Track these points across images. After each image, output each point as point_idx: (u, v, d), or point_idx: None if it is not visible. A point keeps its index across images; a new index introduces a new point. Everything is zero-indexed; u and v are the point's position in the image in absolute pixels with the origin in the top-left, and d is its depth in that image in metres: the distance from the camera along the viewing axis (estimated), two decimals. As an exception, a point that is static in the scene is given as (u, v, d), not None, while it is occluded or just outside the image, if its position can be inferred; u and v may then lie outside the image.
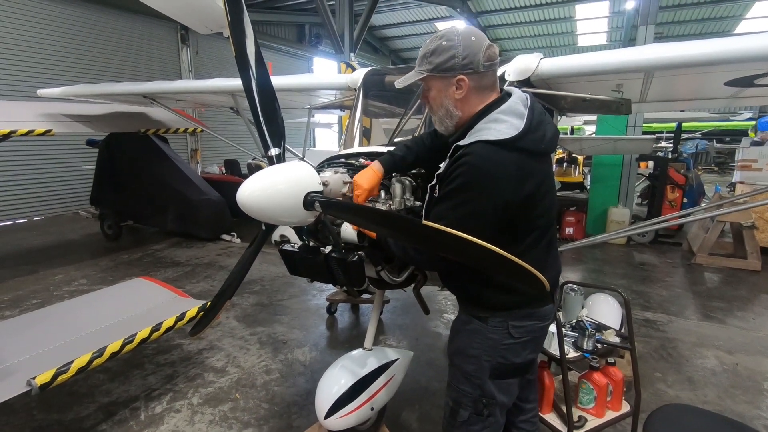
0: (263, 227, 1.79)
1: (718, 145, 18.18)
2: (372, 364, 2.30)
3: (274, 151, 1.75)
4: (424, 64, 1.46)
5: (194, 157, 11.67)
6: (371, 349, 2.41)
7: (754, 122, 13.83)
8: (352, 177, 1.95)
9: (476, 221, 1.33)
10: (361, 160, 2.23)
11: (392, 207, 1.91)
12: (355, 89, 3.12)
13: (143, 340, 2.63)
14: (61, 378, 2.19)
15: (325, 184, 1.70)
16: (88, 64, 9.28)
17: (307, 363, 3.38)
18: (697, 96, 2.85)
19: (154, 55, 10.73)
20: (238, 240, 7.06)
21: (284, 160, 1.75)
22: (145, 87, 4.62)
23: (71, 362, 2.26)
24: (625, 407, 2.22)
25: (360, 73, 3.06)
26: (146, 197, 7.08)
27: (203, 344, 3.66)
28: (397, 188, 1.96)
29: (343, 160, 2.30)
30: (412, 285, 2.22)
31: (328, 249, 1.84)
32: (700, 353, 3.56)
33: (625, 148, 6.38)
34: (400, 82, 1.58)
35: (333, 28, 8.64)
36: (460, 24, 1.59)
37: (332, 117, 11.01)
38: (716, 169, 17.42)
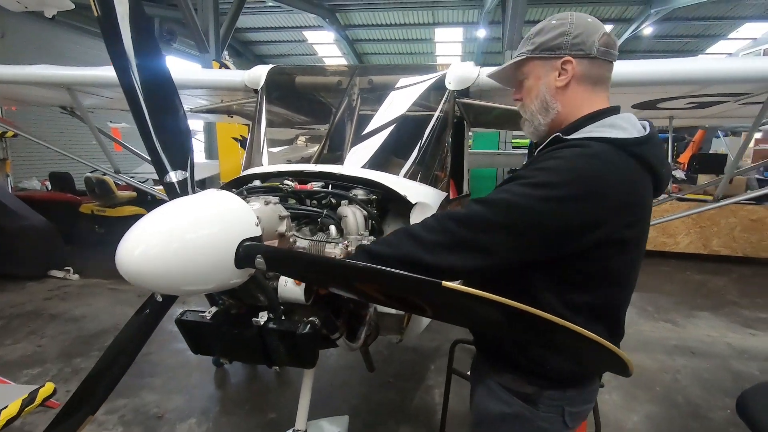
0: (158, 298, 1.12)
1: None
2: (311, 452, 1.74)
3: (175, 176, 1.12)
4: (525, 46, 1.16)
5: (1, 169, 9.04)
6: (305, 431, 1.84)
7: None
8: (287, 208, 1.42)
9: (549, 219, 0.95)
10: (288, 182, 1.69)
11: (349, 249, 1.41)
12: (254, 90, 2.51)
13: None
14: None
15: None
16: None
17: (197, 443, 2.59)
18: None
19: (-67, 34, 8.04)
20: (76, 276, 5.53)
21: (194, 189, 1.13)
22: None
23: None
24: (587, 443, 2.07)
25: (261, 71, 2.46)
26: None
27: (31, 442, 2.55)
28: (350, 221, 1.48)
29: (258, 182, 1.72)
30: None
31: (262, 317, 1.25)
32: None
33: (501, 161, 6.83)
34: (494, 72, 1.27)
35: (196, 24, 7.54)
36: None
37: (195, 123, 9.66)
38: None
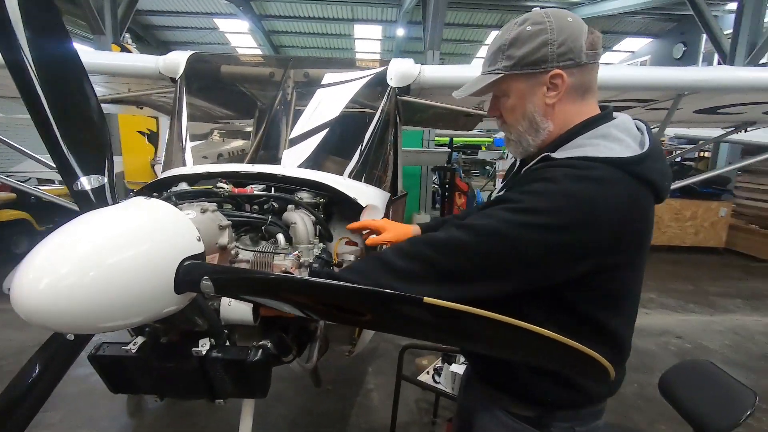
0: (69, 336, 0.90)
1: (464, 157, 22.59)
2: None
3: (87, 182, 0.89)
4: (500, 60, 1.00)
5: None
6: (248, 460, 1.65)
7: (491, 139, 17.65)
8: (228, 216, 1.25)
9: (538, 251, 0.87)
10: (222, 184, 1.49)
11: (301, 260, 1.28)
12: (171, 79, 2.22)
13: None
14: None
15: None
16: None
17: (110, 485, 2.24)
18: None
19: None
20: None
21: (115, 199, 0.91)
22: None
23: None
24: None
25: (180, 57, 2.17)
26: None
27: None
28: (299, 228, 1.34)
29: (185, 185, 1.51)
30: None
31: (203, 345, 1.07)
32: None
33: (426, 159, 6.97)
34: (463, 90, 1.07)
35: (88, 1, 6.62)
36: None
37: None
38: (463, 175, 21.58)
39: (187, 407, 2.92)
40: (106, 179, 0.89)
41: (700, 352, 3.97)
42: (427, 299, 0.77)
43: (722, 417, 1.56)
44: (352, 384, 3.23)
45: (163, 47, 17.19)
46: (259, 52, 17.58)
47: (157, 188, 1.52)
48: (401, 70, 2.12)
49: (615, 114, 1.02)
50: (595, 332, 0.98)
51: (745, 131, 3.55)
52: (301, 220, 1.35)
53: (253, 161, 1.73)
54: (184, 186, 1.50)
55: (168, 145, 1.95)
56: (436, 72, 2.18)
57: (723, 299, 5.41)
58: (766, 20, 7.98)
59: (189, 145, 1.94)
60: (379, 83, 2.12)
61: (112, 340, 1.18)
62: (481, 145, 21.44)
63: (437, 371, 2.20)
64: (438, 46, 7.33)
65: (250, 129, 2.06)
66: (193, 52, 2.22)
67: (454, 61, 18.32)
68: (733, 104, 2.68)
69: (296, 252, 1.27)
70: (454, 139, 20.84)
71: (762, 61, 8.06)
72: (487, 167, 17.34)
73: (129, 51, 5.16)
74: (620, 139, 0.94)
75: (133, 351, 1.07)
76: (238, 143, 2.58)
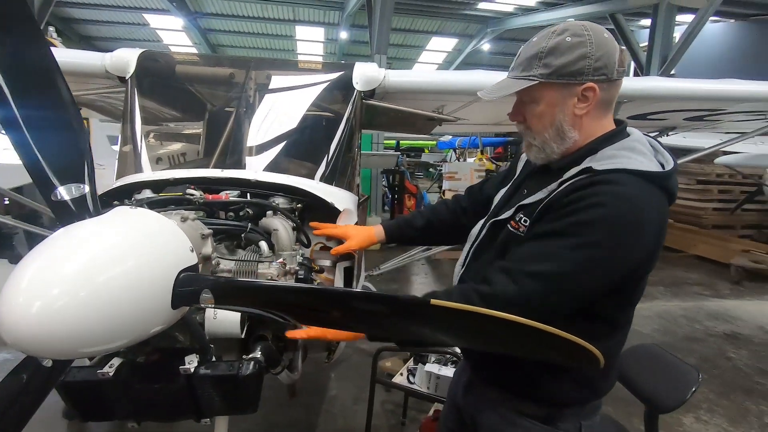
0: (47, 363, 0.80)
1: (408, 159, 23.02)
2: None
3: (66, 192, 0.81)
4: (535, 67, 1.01)
5: None
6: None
7: (434, 142, 18.10)
8: (207, 225, 1.19)
9: (602, 277, 0.97)
10: (192, 190, 1.42)
11: (287, 267, 1.25)
12: (119, 78, 2.06)
13: None
14: None
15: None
16: None
17: None
18: (490, 121, 3.31)
19: None
20: None
21: (98, 209, 0.84)
22: None
23: None
24: None
25: (129, 55, 2.02)
26: None
27: None
28: (282, 235, 1.30)
29: (150, 193, 1.42)
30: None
31: (190, 362, 1.01)
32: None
33: (375, 162, 7.02)
34: (491, 92, 1.06)
35: (-1, -12, 5.94)
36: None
37: None
38: (408, 177, 21.95)
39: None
40: (87, 188, 0.81)
41: (635, 336, 4.32)
42: (434, 301, 0.79)
43: (672, 394, 1.73)
44: (315, 392, 3.17)
45: (85, 42, 15.86)
46: (194, 50, 16.77)
47: (118, 195, 1.41)
48: (367, 74, 2.12)
49: (628, 129, 1.09)
50: (610, 331, 1.08)
51: (667, 135, 3.95)
52: (282, 227, 1.31)
53: (222, 166, 1.65)
54: (148, 193, 1.40)
55: (121, 150, 1.81)
56: (400, 77, 2.21)
57: (648, 287, 5.89)
58: (675, 35, 8.91)
59: (144, 149, 1.81)
60: (345, 87, 2.11)
61: (81, 363, 1.08)
62: (425, 147, 21.96)
63: (411, 372, 2.22)
64: (385, 51, 7.42)
65: (192, 131, 1.98)
66: (143, 50, 2.08)
67: (396, 66, 18.58)
68: (660, 111, 2.98)
69: (281, 259, 1.24)
70: (412, 142, 21.09)
71: (671, 72, 9.00)
72: (431, 169, 17.73)
73: (54, 46, 4.70)
74: (644, 153, 1.02)
75: (110, 374, 0.98)
76: (176, 146, 2.46)
